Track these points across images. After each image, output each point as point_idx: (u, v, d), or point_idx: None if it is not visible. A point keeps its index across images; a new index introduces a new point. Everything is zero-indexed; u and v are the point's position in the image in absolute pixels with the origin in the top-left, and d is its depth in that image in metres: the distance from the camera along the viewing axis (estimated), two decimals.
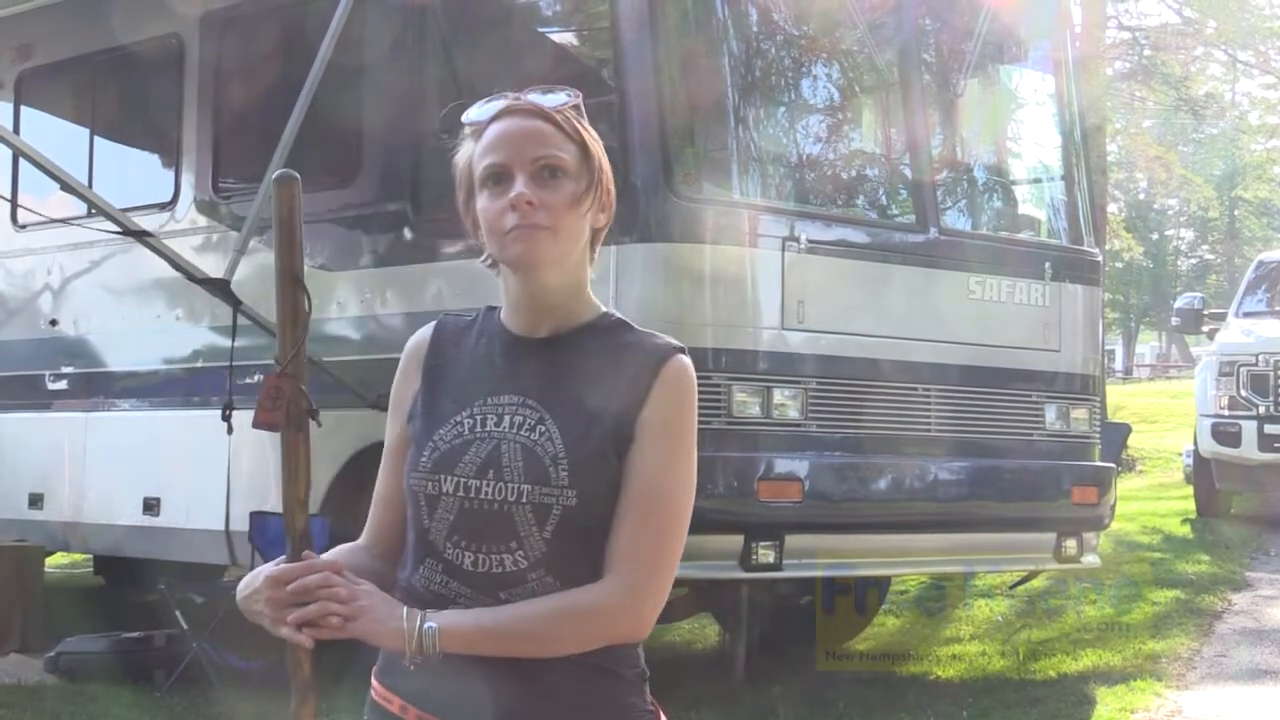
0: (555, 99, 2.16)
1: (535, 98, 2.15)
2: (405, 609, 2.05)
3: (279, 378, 2.10)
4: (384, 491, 2.23)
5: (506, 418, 2.11)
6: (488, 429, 2.10)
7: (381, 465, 2.25)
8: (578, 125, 2.16)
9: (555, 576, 2.06)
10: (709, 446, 6.40)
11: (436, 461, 2.10)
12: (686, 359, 2.13)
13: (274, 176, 2.11)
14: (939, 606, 9.34)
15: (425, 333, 2.26)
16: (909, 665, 8.17)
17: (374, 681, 2.18)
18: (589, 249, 2.18)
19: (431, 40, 7.26)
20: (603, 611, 2.05)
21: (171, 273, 7.56)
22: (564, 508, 2.05)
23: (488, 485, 2.07)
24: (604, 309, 2.19)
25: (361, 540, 2.25)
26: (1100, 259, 8.28)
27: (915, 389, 7.02)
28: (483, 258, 2.21)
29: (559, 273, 2.13)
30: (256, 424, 2.10)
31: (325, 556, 2.12)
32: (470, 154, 2.15)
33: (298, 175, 2.12)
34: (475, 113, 2.17)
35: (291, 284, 2.09)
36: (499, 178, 2.10)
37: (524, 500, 2.06)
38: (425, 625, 2.02)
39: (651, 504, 2.08)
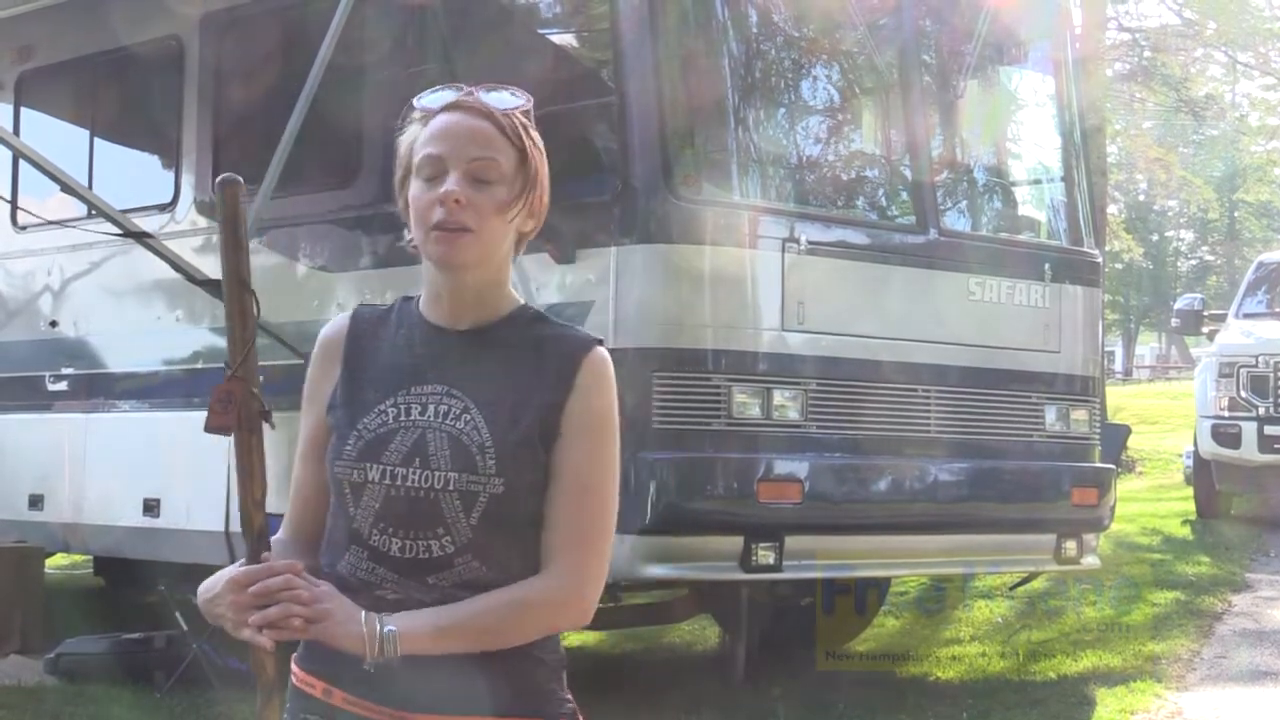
0: (506, 101, 2.20)
1: (486, 97, 2.19)
2: (364, 612, 2.07)
3: (229, 381, 2.12)
4: (303, 484, 2.26)
5: (431, 407, 2.15)
6: (412, 418, 2.15)
7: (298, 458, 2.27)
8: (521, 131, 2.19)
9: (481, 561, 2.12)
10: (709, 448, 6.41)
11: (361, 450, 2.14)
12: (605, 351, 2.20)
13: (218, 180, 2.11)
14: (939, 607, 9.34)
15: (341, 322, 2.29)
16: (909, 666, 8.18)
17: (294, 667, 2.21)
18: (514, 250, 2.23)
19: (431, 41, 7.26)
20: (552, 604, 2.14)
21: (171, 274, 7.56)
22: (490, 495, 2.11)
23: (414, 473, 2.12)
24: (522, 302, 2.24)
25: (282, 534, 2.27)
26: (1100, 260, 8.27)
27: (915, 390, 7.01)
28: (407, 240, 2.23)
29: (479, 272, 2.18)
30: (208, 428, 2.13)
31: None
32: (414, 138, 2.19)
33: (240, 179, 2.13)
34: (427, 100, 2.21)
35: (238, 287, 2.11)
36: (434, 169, 2.14)
37: (451, 488, 2.11)
38: (385, 629, 2.06)
39: (584, 495, 2.16)
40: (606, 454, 2.18)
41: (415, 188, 2.15)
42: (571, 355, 2.17)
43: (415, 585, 2.11)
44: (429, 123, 2.17)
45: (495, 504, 2.11)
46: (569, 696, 2.21)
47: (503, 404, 2.14)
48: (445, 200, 2.11)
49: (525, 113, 2.20)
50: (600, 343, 2.21)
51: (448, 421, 2.13)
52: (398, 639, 2.05)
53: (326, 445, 2.20)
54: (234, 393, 2.11)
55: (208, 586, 2.11)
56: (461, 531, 2.11)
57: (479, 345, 2.19)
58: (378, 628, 2.05)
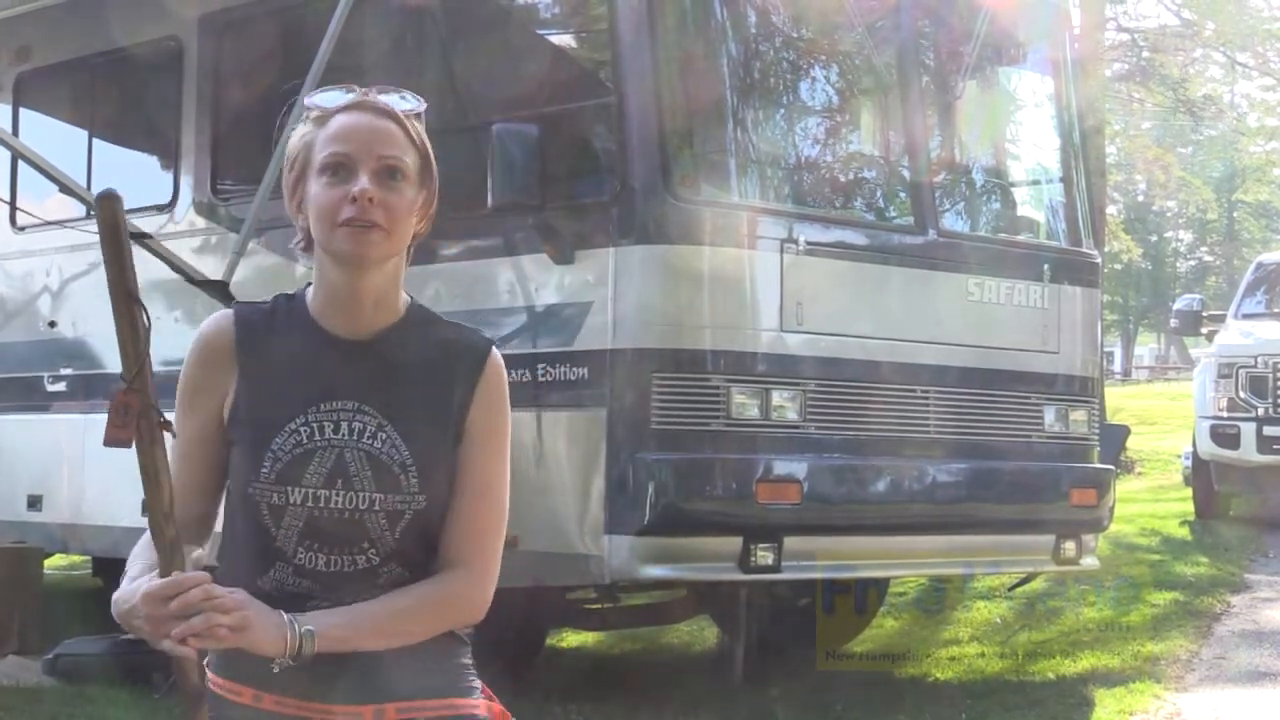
0: (404, 104, 2.21)
1: (386, 99, 2.20)
2: (284, 615, 2.09)
3: (126, 394, 2.09)
4: (179, 484, 2.17)
5: (344, 424, 2.16)
6: (326, 437, 2.15)
7: (178, 459, 2.22)
8: (422, 133, 2.20)
9: (404, 566, 2.18)
10: (708, 448, 6.41)
11: (280, 473, 2.14)
12: (498, 353, 2.25)
13: (96, 195, 2.08)
14: (938, 608, 9.34)
15: (225, 323, 2.25)
16: (908, 667, 8.17)
17: (213, 676, 2.21)
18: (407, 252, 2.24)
19: (430, 42, 7.26)
20: (461, 602, 2.20)
21: (170, 275, 7.56)
22: (415, 512, 2.16)
23: (337, 495, 2.14)
24: (409, 299, 2.26)
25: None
26: (1099, 261, 8.28)
27: (914, 391, 7.01)
28: (297, 240, 2.23)
29: (382, 272, 2.18)
30: (106, 442, 2.10)
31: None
32: (311, 137, 2.18)
33: (119, 192, 2.09)
34: (323, 99, 2.21)
35: (127, 301, 2.09)
36: (340, 168, 2.14)
37: (376, 508, 2.15)
38: (304, 629, 2.08)
39: (486, 498, 2.22)
40: (504, 455, 2.25)
41: (319, 185, 2.14)
42: (473, 361, 2.23)
43: (344, 592, 2.15)
44: (327, 122, 2.17)
45: (418, 518, 2.17)
46: (473, 670, 2.29)
47: (415, 419, 2.18)
48: (360, 198, 2.11)
49: (419, 116, 2.22)
50: (494, 343, 2.26)
51: (364, 440, 2.16)
52: (315, 638, 2.08)
53: (212, 447, 2.21)
54: (131, 405, 2.09)
55: (123, 599, 2.09)
56: (385, 544, 2.17)
57: (381, 354, 2.20)
58: (296, 628, 2.08)
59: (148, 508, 2.11)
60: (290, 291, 2.30)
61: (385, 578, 2.17)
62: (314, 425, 2.16)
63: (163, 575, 2.05)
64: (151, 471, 2.10)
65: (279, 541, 2.16)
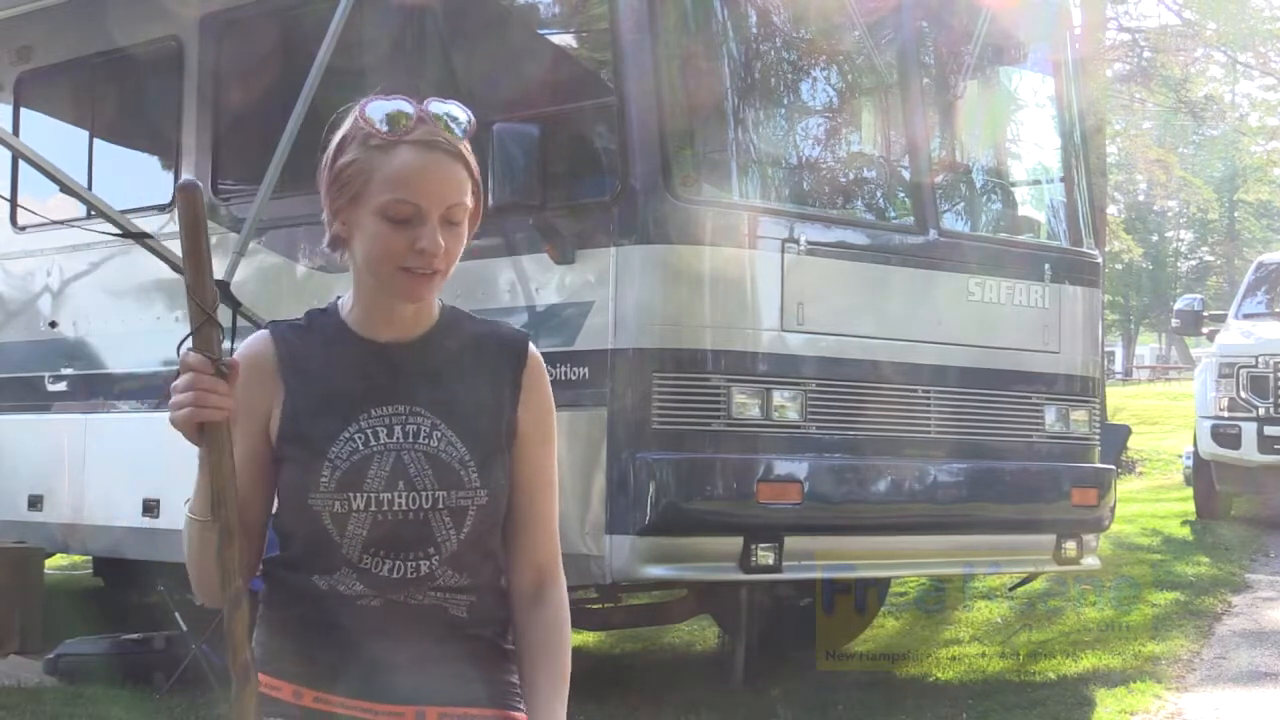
0: (461, 122, 2.14)
1: (438, 110, 2.14)
2: None
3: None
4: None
5: (398, 428, 2.15)
6: (381, 441, 2.15)
7: None
8: (474, 160, 2.17)
9: (458, 571, 2.16)
10: (709, 448, 6.41)
11: (340, 481, 2.13)
12: (535, 346, 2.26)
13: (178, 184, 2.01)
14: (938, 608, 9.34)
15: (263, 343, 2.22)
16: (909, 666, 8.18)
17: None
18: None
19: (430, 42, 7.26)
20: (568, 621, 2.28)
21: (171, 274, 7.56)
22: (478, 508, 2.15)
23: (400, 497, 2.13)
24: (440, 301, 2.25)
25: None
26: (1100, 261, 8.28)
27: (915, 391, 7.02)
28: (328, 242, 2.21)
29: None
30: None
31: None
32: (370, 165, 2.11)
33: (199, 183, 2.03)
34: (379, 113, 2.14)
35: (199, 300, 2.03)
36: (409, 216, 2.10)
37: (440, 506, 2.14)
38: None
39: (554, 495, 2.25)
40: (555, 449, 2.28)
41: (381, 227, 2.10)
42: (512, 358, 2.23)
43: (398, 595, 2.15)
44: (394, 153, 2.10)
45: (481, 515, 2.15)
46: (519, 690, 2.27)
47: (467, 414, 2.17)
48: (429, 251, 2.09)
49: (472, 125, 2.17)
50: (530, 338, 2.27)
51: (420, 441, 2.15)
52: None
53: (257, 465, 2.17)
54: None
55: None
56: (449, 547, 2.15)
57: (425, 357, 2.20)
58: None
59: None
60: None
61: (440, 581, 2.15)
62: (368, 431, 2.14)
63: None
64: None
65: (344, 550, 2.13)
